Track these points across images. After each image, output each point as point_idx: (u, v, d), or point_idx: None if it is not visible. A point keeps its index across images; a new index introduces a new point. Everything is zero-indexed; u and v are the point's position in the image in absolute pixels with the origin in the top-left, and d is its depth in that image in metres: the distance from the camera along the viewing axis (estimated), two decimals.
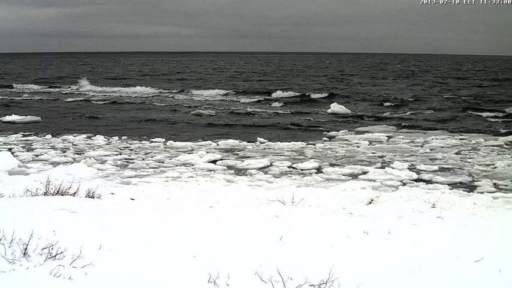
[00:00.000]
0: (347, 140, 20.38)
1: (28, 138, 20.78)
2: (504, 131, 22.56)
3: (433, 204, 10.24)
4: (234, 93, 41.94)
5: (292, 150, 18.05)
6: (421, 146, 18.88)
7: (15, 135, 21.18)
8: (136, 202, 6.87)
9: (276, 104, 34.53)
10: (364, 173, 14.41)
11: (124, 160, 16.46)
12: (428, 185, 13.17)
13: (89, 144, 19.46)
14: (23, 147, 18.53)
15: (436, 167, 15.13)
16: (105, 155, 17.12)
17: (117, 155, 17.34)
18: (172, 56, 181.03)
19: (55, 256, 4.25)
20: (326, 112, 29.90)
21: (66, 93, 44.00)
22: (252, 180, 13.57)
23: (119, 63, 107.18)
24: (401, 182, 13.42)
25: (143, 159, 16.55)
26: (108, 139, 20.33)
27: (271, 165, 15.57)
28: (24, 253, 4.28)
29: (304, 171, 14.81)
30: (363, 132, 22.36)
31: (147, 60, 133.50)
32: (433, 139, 20.35)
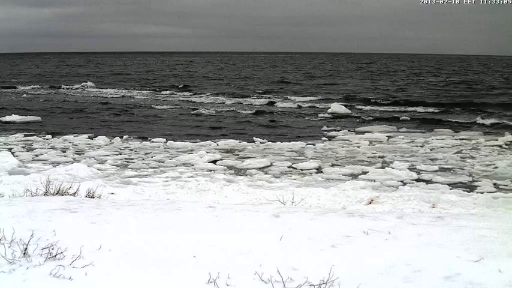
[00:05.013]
0: (347, 140, 20.39)
1: (28, 138, 20.79)
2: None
3: (433, 204, 10.25)
4: (233, 93, 41.96)
5: (292, 151, 18.06)
6: (421, 146, 18.89)
7: (15, 135, 21.20)
8: (136, 202, 6.87)
9: (275, 105, 34.53)
10: (364, 173, 14.41)
11: (124, 160, 16.48)
12: (429, 185, 13.17)
13: (89, 144, 19.47)
14: (23, 147, 18.54)
15: (436, 167, 15.13)
16: (105, 155, 17.14)
17: (117, 155, 17.35)
18: (169, 56, 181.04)
19: (55, 256, 4.25)
20: (326, 112, 29.92)
21: (66, 94, 44.01)
22: (252, 180, 13.57)
23: (119, 64, 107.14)
24: (401, 182, 13.42)
25: (143, 159, 16.57)
26: (109, 139, 20.34)
27: (271, 165, 15.58)
28: (24, 253, 4.27)
29: (304, 171, 14.82)
30: (363, 132, 22.38)
31: (145, 60, 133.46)
32: (433, 139, 20.36)
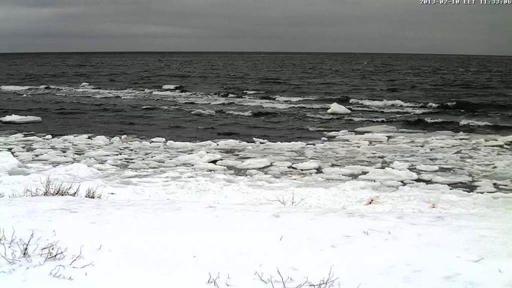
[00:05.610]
0: (347, 140, 20.38)
1: (28, 138, 20.79)
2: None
3: (433, 204, 10.25)
4: (233, 93, 41.97)
5: (292, 151, 18.05)
6: (421, 146, 18.88)
7: (15, 135, 21.19)
8: (136, 202, 6.87)
9: (275, 105, 34.51)
10: (364, 173, 14.41)
11: (124, 160, 16.48)
12: (428, 185, 13.17)
13: (89, 144, 19.47)
14: (23, 147, 18.53)
15: (436, 167, 15.13)
16: (105, 155, 17.14)
17: (117, 155, 17.35)
18: (169, 56, 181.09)
19: (55, 256, 4.25)
20: (326, 112, 29.93)
21: (65, 94, 43.99)
22: (252, 180, 13.57)
23: (118, 64, 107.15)
24: (401, 182, 13.42)
25: (143, 159, 16.56)
26: (108, 139, 20.34)
27: (271, 165, 15.58)
28: (24, 253, 4.27)
29: (304, 171, 14.82)
30: (363, 132, 22.37)
31: (144, 60, 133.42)
32: (433, 139, 20.36)
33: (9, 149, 17.60)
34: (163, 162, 16.07)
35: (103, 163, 15.83)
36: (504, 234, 4.96)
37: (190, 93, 42.86)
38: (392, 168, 14.82)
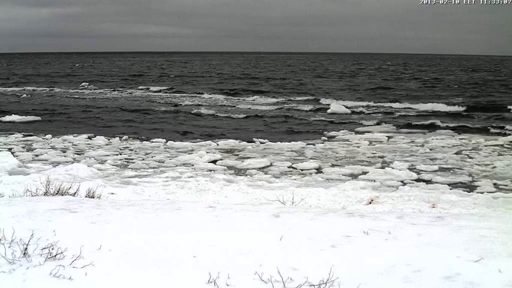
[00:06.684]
0: (347, 140, 20.38)
1: (28, 138, 20.79)
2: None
3: (433, 204, 10.25)
4: (232, 93, 41.97)
5: (292, 151, 18.05)
6: (421, 146, 18.88)
7: (15, 135, 21.20)
8: (136, 202, 6.87)
9: (274, 105, 34.50)
10: (364, 173, 14.41)
11: (124, 160, 16.48)
12: (428, 185, 13.17)
13: (89, 144, 19.47)
14: (23, 147, 18.53)
15: (436, 167, 15.13)
16: (105, 155, 17.14)
17: (117, 155, 17.35)
18: (169, 56, 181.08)
19: (55, 256, 4.25)
20: (326, 112, 29.92)
21: (65, 94, 43.98)
22: (252, 180, 13.57)
23: (118, 64, 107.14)
24: (401, 182, 13.42)
25: (143, 160, 16.56)
26: (108, 139, 20.34)
27: (271, 165, 15.57)
28: (24, 253, 4.27)
29: (304, 171, 14.81)
30: (363, 132, 22.37)
31: (144, 60, 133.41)
32: (433, 139, 20.36)
33: (9, 149, 17.59)
34: (163, 162, 16.07)
35: (103, 163, 15.83)
36: (504, 234, 4.95)
37: (189, 94, 42.83)
38: (392, 168, 14.82)
